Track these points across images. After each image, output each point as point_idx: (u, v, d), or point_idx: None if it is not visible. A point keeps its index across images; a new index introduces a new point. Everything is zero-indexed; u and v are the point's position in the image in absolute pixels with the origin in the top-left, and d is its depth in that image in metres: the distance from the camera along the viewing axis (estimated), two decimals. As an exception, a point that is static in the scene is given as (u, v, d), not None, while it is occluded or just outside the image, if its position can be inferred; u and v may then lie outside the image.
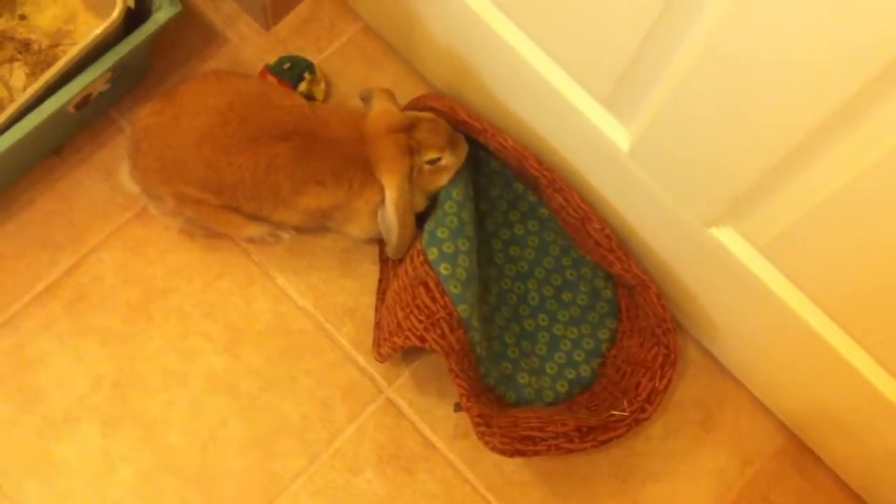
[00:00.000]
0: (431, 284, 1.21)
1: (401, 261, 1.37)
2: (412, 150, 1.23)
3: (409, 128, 1.24)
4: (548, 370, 1.36)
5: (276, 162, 1.21)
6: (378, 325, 1.34)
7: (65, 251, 1.36)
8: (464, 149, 1.28)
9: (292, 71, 1.39)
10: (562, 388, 1.35)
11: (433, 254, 1.21)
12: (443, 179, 1.27)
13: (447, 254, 1.21)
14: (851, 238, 0.96)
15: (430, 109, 1.28)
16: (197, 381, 1.33)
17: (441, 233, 1.23)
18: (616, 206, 1.27)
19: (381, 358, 1.31)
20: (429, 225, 1.24)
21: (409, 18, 1.36)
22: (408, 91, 1.47)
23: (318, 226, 1.33)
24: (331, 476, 1.32)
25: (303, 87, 1.40)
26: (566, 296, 1.40)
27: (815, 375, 1.20)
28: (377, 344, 1.31)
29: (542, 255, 1.41)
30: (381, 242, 1.40)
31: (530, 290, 1.40)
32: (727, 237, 1.13)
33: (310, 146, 1.22)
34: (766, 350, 1.26)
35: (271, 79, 1.39)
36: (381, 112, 1.25)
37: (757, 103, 0.91)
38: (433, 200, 1.29)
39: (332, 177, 1.23)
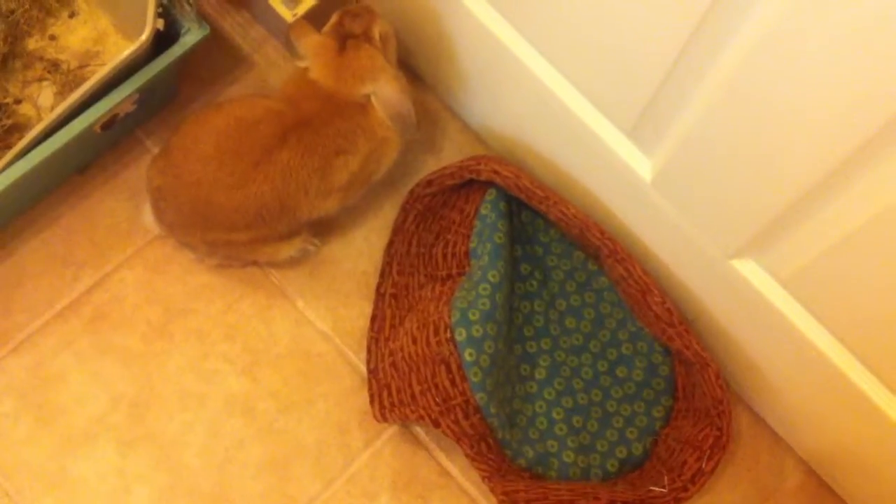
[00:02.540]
0: (454, 367, 1.19)
1: (397, 297, 1.36)
2: (361, 39, 1.22)
3: (338, 26, 1.23)
4: (599, 447, 1.32)
5: (291, 168, 1.20)
6: (374, 373, 1.32)
7: (87, 269, 1.37)
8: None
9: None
10: (612, 467, 1.32)
11: (461, 335, 1.18)
12: (393, 46, 1.27)
13: (475, 338, 1.19)
14: (875, 273, 0.95)
15: (494, 173, 1.26)
16: (215, 403, 1.33)
17: (472, 315, 1.20)
18: (639, 237, 1.27)
19: (382, 419, 1.29)
20: (461, 304, 1.21)
21: (434, 45, 1.37)
22: (430, 117, 1.48)
23: (358, 199, 1.32)
24: (346, 501, 1.31)
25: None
26: (621, 371, 1.36)
27: (837, 412, 1.18)
28: (378, 400, 1.29)
29: (597, 329, 1.37)
30: (382, 274, 1.39)
31: (584, 364, 1.36)
32: (749, 270, 1.12)
33: (306, 132, 1.21)
34: (786, 385, 1.25)
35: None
36: (313, 42, 1.23)
37: (779, 139, 0.91)
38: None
39: (344, 137, 1.23)
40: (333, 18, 1.25)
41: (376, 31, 1.23)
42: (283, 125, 1.21)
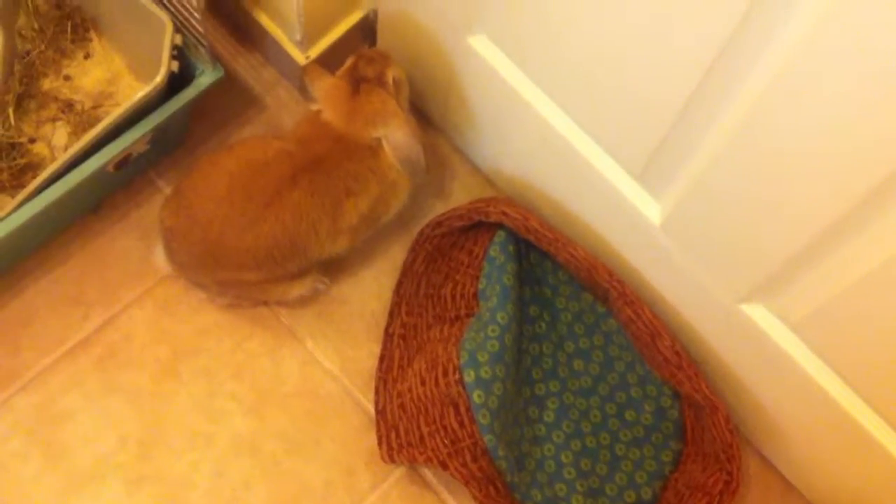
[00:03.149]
0: (462, 408, 1.19)
1: (405, 338, 1.36)
2: (374, 83, 1.23)
3: (353, 69, 1.24)
4: (608, 491, 1.32)
5: (301, 208, 1.21)
6: (382, 414, 1.31)
7: (97, 308, 1.38)
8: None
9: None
10: None
11: (470, 376, 1.18)
12: (405, 91, 1.29)
13: (483, 379, 1.18)
14: (886, 318, 0.95)
15: (503, 214, 1.27)
16: (222, 442, 1.33)
17: (481, 356, 1.20)
18: (647, 280, 1.27)
19: (390, 460, 1.28)
20: (469, 345, 1.21)
21: (445, 89, 1.38)
22: (440, 159, 1.49)
23: (364, 239, 1.33)
24: (352, 543, 1.31)
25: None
26: (630, 414, 1.35)
27: (847, 457, 1.18)
28: (386, 441, 1.29)
29: (606, 371, 1.37)
30: (391, 315, 1.39)
31: (593, 407, 1.36)
32: (758, 314, 1.12)
33: (317, 174, 1.22)
34: (796, 429, 1.25)
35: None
36: (326, 85, 1.25)
37: (789, 184, 0.91)
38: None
39: (354, 179, 1.24)
40: (348, 62, 1.26)
41: (390, 76, 1.24)
42: (294, 166, 1.22)
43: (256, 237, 1.21)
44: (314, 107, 1.26)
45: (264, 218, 1.20)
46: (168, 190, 1.43)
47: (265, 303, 1.39)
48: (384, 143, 1.24)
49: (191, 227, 1.23)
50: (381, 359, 1.37)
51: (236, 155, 1.25)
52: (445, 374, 1.21)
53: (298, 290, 1.33)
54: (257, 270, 1.25)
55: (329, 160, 1.23)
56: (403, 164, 1.25)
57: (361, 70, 1.23)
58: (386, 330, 1.39)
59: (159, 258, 1.32)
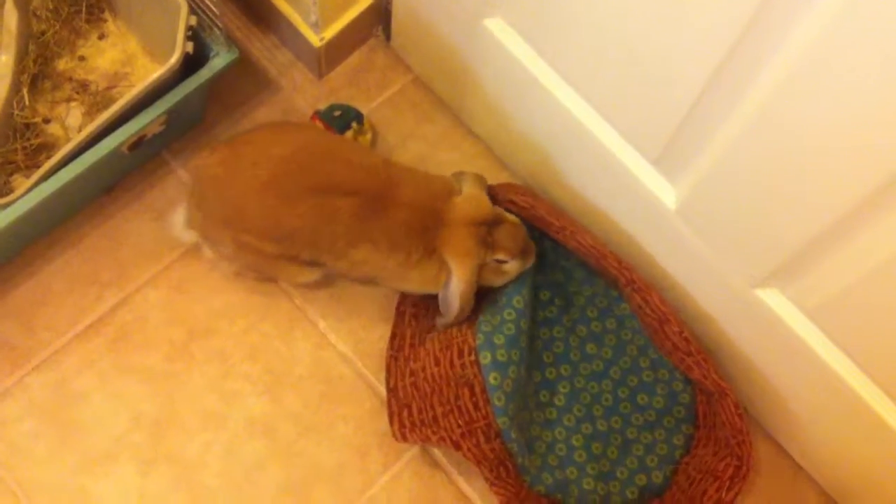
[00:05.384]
0: (477, 389, 1.19)
1: (417, 317, 1.36)
2: (487, 245, 1.23)
3: (493, 223, 1.24)
4: (618, 475, 1.32)
5: (338, 216, 1.20)
6: (394, 392, 1.31)
7: (111, 288, 1.38)
8: (531, 260, 1.28)
9: (341, 119, 1.41)
10: (632, 494, 1.31)
11: (486, 358, 1.19)
12: (500, 280, 1.27)
13: (500, 362, 1.19)
14: (901, 306, 0.95)
15: (510, 202, 1.27)
16: (235, 423, 1.34)
17: (497, 339, 1.20)
18: (662, 265, 1.27)
19: (402, 438, 1.28)
20: (485, 327, 1.21)
21: (459, 72, 1.38)
22: (454, 143, 1.49)
23: (367, 279, 1.33)
24: (364, 525, 1.31)
25: (349, 135, 1.41)
26: (642, 398, 1.36)
27: (861, 444, 1.18)
28: (398, 419, 1.29)
29: (618, 355, 1.37)
30: (402, 294, 1.39)
31: (604, 391, 1.36)
32: (773, 299, 1.12)
33: (374, 206, 1.21)
34: (809, 416, 1.25)
35: (319, 124, 1.40)
36: (471, 199, 1.25)
37: (808, 169, 0.91)
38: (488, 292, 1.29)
39: (388, 242, 1.22)
40: (509, 216, 1.27)
41: (504, 256, 1.25)
42: (367, 182, 1.21)
43: (290, 213, 1.20)
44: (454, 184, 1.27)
45: (305, 200, 1.19)
46: (182, 171, 1.43)
47: (272, 280, 1.38)
48: (449, 277, 1.24)
49: (236, 178, 1.21)
50: (392, 336, 1.37)
51: (322, 136, 1.25)
52: (461, 354, 1.21)
53: (309, 276, 1.32)
54: (277, 244, 1.23)
55: (396, 210, 1.21)
56: (441, 303, 1.26)
57: (501, 233, 1.24)
58: (397, 308, 1.39)
59: (176, 224, 1.30)
